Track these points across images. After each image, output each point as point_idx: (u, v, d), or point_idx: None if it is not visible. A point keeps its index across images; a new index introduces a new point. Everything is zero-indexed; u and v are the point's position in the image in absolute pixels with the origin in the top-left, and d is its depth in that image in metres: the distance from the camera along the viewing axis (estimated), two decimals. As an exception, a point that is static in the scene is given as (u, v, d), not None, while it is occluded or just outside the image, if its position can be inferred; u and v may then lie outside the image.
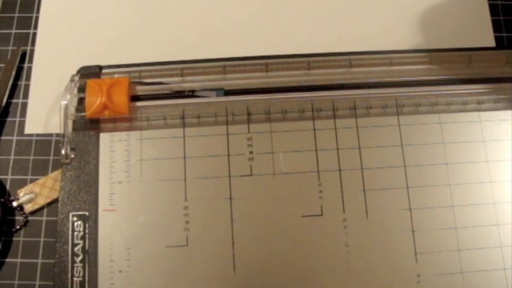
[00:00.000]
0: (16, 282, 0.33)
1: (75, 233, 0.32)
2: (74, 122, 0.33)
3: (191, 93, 0.34)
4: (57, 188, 0.33)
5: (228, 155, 0.34)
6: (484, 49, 0.38)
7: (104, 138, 0.33)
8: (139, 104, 0.33)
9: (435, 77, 0.35)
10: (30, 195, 0.33)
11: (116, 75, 0.34)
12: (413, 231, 0.33)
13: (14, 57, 0.37)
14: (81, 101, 0.33)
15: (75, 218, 0.32)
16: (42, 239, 0.34)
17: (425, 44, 0.38)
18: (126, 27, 0.38)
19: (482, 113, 0.35)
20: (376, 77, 0.35)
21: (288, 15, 0.39)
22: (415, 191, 0.33)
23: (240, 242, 0.32)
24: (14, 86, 0.37)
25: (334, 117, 0.35)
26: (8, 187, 0.34)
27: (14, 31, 0.38)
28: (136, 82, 0.34)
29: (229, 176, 0.33)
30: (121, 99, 0.33)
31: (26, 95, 0.36)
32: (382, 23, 0.39)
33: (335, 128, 0.34)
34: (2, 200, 0.33)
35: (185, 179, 0.33)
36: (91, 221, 0.32)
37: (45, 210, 0.34)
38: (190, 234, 0.32)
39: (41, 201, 0.33)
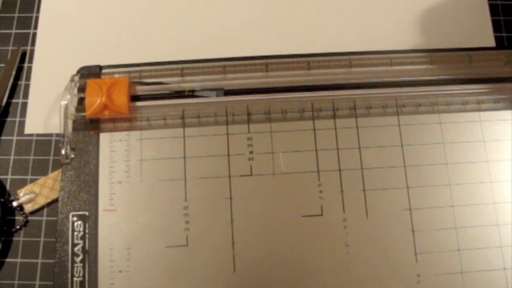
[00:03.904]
0: (16, 282, 0.33)
1: (75, 233, 0.32)
2: (74, 122, 0.33)
3: (191, 93, 0.34)
4: (57, 188, 0.33)
5: (228, 155, 0.34)
6: (484, 49, 0.38)
7: (104, 138, 0.33)
8: (139, 104, 0.33)
9: (435, 77, 0.35)
10: (30, 195, 0.33)
11: (116, 75, 0.34)
12: (413, 231, 0.33)
13: (14, 57, 0.37)
14: (81, 101, 0.33)
15: (75, 218, 0.32)
16: (42, 239, 0.34)
17: (425, 44, 0.38)
18: (126, 27, 0.38)
19: (482, 113, 0.35)
20: (376, 77, 0.35)
21: (288, 15, 0.39)
22: (415, 191, 0.33)
23: (240, 242, 0.32)
24: (14, 86, 0.37)
25: (334, 117, 0.35)
26: (8, 187, 0.34)
27: (14, 31, 0.38)
28: (136, 82, 0.34)
29: (229, 176, 0.33)
30: (121, 99, 0.33)
31: (26, 95, 0.36)
32: (382, 23, 0.39)
33: (335, 128, 0.34)
34: (2, 200, 0.33)
35: (185, 179, 0.33)
36: (91, 221, 0.32)
37: (45, 210, 0.34)
38: (190, 234, 0.32)
39: (41, 201, 0.33)
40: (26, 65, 0.37)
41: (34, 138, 0.35)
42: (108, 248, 0.32)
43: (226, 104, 0.34)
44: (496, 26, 0.39)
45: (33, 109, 0.36)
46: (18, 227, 0.34)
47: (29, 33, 0.38)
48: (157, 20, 0.38)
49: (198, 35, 0.38)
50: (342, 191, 0.33)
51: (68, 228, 0.32)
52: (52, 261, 0.32)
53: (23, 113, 0.36)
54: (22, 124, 0.36)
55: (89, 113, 0.32)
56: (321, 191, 0.33)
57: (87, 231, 0.32)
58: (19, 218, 0.34)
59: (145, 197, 0.33)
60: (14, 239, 0.33)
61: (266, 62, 0.35)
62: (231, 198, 0.33)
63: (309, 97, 0.34)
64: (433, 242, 0.33)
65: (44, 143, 0.35)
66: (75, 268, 0.31)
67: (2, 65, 0.37)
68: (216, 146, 0.34)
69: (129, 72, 0.34)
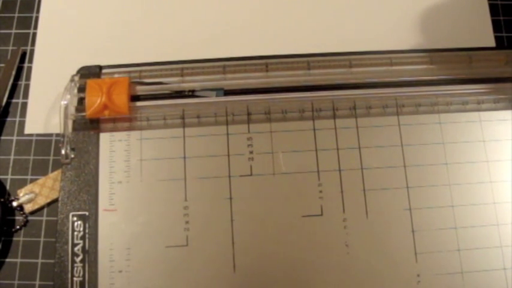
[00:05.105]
0: (16, 282, 0.33)
1: (75, 233, 0.32)
2: (74, 122, 0.33)
3: (191, 93, 0.34)
4: (57, 188, 0.33)
5: (228, 155, 0.34)
6: (484, 49, 0.38)
7: (104, 138, 0.33)
8: (139, 104, 0.33)
9: (435, 77, 0.35)
10: (30, 195, 0.33)
11: (116, 75, 0.34)
12: (413, 231, 0.33)
13: (14, 57, 0.37)
14: (81, 101, 0.33)
15: (75, 218, 0.32)
16: (42, 239, 0.34)
17: (425, 44, 0.38)
18: (126, 27, 0.38)
19: (482, 113, 0.35)
20: (376, 77, 0.35)
21: (288, 15, 0.39)
22: (415, 191, 0.33)
23: (240, 242, 0.32)
24: (14, 86, 0.37)
25: (334, 117, 0.35)
26: (8, 187, 0.34)
27: (14, 31, 0.38)
28: (136, 82, 0.34)
29: (229, 176, 0.33)
30: (121, 99, 0.33)
31: (26, 95, 0.36)
32: (382, 23, 0.39)
33: (335, 128, 0.34)
34: (2, 200, 0.33)
35: (185, 179, 0.33)
36: (91, 221, 0.32)
37: (45, 210, 0.34)
38: (190, 234, 0.32)
39: (41, 201, 0.33)
40: (26, 65, 0.37)
41: (34, 138, 0.35)
42: (108, 248, 0.32)
43: (226, 104, 0.34)
44: (496, 26, 0.39)
45: (33, 109, 0.36)
46: (18, 227, 0.34)
47: (29, 33, 0.38)
48: (157, 20, 0.38)
49: (198, 35, 0.38)
50: (342, 191, 0.33)
51: (68, 228, 0.32)
52: (52, 261, 0.32)
53: (23, 113, 0.36)
54: (22, 124, 0.36)
55: (89, 113, 0.32)
56: (321, 191, 0.33)
57: (87, 231, 0.32)
58: (19, 218, 0.34)
59: (145, 197, 0.33)
60: (14, 239, 0.33)
61: (266, 62, 0.35)
62: (231, 198, 0.33)
63: (309, 97, 0.34)
64: (433, 242, 0.33)
65: (44, 143, 0.35)
66: (75, 268, 0.31)
67: (2, 65, 0.37)
68: (216, 146, 0.34)
69: (129, 72, 0.34)
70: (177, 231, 0.32)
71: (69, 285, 0.31)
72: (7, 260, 0.33)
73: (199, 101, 0.34)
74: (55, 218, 0.32)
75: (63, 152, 0.33)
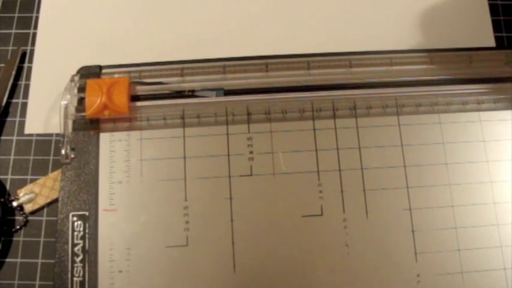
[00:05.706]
0: (16, 282, 0.33)
1: (75, 233, 0.32)
2: (74, 122, 0.33)
3: (191, 93, 0.34)
4: (57, 188, 0.33)
5: (228, 155, 0.34)
6: (484, 49, 0.38)
7: (104, 138, 0.33)
8: (139, 104, 0.33)
9: (435, 77, 0.35)
10: (30, 195, 0.33)
11: (116, 75, 0.34)
12: (413, 231, 0.33)
13: (14, 57, 0.37)
14: (81, 101, 0.33)
15: (75, 218, 0.32)
16: (42, 239, 0.34)
17: (425, 44, 0.38)
18: (126, 27, 0.38)
19: (482, 113, 0.35)
20: (376, 77, 0.35)
21: (288, 15, 0.39)
22: (415, 191, 0.33)
23: (240, 241, 0.32)
24: (14, 86, 0.37)
25: (334, 117, 0.35)
26: (8, 187, 0.34)
27: (14, 31, 0.38)
28: (136, 82, 0.34)
29: (229, 176, 0.33)
30: (121, 99, 0.33)
31: (26, 95, 0.36)
32: (382, 23, 0.39)
33: (335, 128, 0.34)
34: (2, 200, 0.33)
35: (185, 179, 0.33)
36: (91, 221, 0.32)
37: (45, 210, 0.34)
38: (190, 234, 0.32)
39: (41, 201, 0.33)
40: (26, 65, 0.37)
41: (34, 138, 0.35)
42: (108, 248, 0.32)
43: (226, 104, 0.34)
44: (496, 26, 0.39)
45: (33, 109, 0.36)
46: (18, 227, 0.34)
47: (29, 33, 0.38)
48: (157, 20, 0.38)
49: (198, 35, 0.38)
50: (342, 191, 0.33)
51: (68, 228, 0.32)
52: (52, 261, 0.32)
53: (23, 113, 0.36)
54: (22, 124, 0.36)
55: (89, 113, 0.32)
56: (321, 191, 0.33)
57: (87, 231, 0.32)
58: (19, 218, 0.34)
59: (145, 197, 0.33)
60: (14, 239, 0.33)
61: (266, 62, 0.35)
62: (231, 198, 0.33)
63: (309, 97, 0.34)
64: (433, 242, 0.33)
65: (44, 143, 0.35)
66: (75, 268, 0.31)
67: (2, 65, 0.37)
68: (216, 146, 0.34)
69: (129, 72, 0.34)
70: (177, 231, 0.32)
71: (69, 285, 0.31)
72: (7, 260, 0.33)
73: (199, 101, 0.34)
74: (55, 218, 0.32)
75: (63, 152, 0.33)
